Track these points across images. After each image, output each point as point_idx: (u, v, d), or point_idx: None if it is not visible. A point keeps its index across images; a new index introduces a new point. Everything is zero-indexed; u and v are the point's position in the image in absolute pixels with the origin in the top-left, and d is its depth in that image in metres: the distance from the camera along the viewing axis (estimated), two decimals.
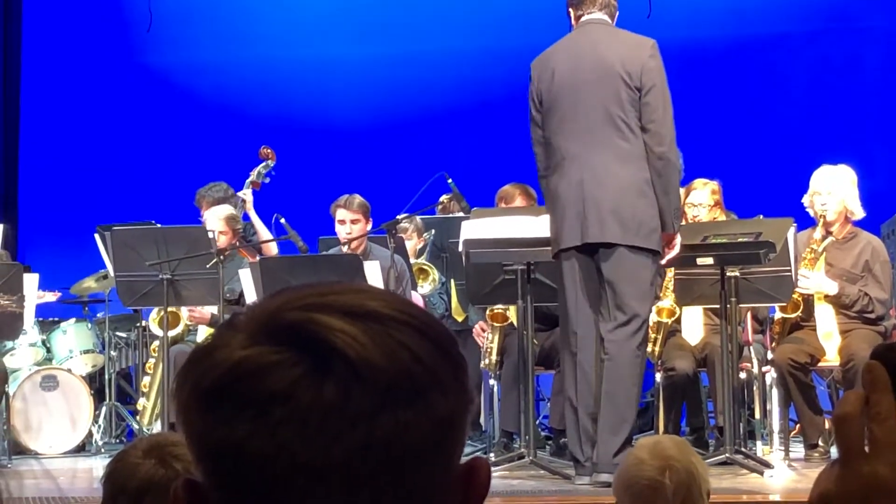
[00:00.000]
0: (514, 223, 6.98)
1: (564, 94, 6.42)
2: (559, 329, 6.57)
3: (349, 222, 8.28)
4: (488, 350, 8.05)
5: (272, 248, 9.05)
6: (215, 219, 8.60)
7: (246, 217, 9.17)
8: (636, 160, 6.34)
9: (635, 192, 6.33)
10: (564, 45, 6.58)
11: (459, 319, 8.69)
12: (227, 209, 8.84)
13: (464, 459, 1.10)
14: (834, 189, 7.56)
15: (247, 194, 9.16)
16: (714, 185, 7.97)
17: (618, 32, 6.55)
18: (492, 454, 7.70)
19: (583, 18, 6.58)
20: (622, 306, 6.34)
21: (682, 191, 8.06)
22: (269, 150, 9.35)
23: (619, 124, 6.33)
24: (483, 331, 8.17)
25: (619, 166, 6.33)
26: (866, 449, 1.11)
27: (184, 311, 8.44)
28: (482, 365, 8.04)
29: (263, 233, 9.12)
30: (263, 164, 9.30)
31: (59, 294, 9.65)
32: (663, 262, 6.54)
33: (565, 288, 6.42)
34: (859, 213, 7.65)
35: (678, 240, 6.48)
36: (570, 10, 6.65)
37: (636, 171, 6.33)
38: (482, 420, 8.58)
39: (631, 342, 6.37)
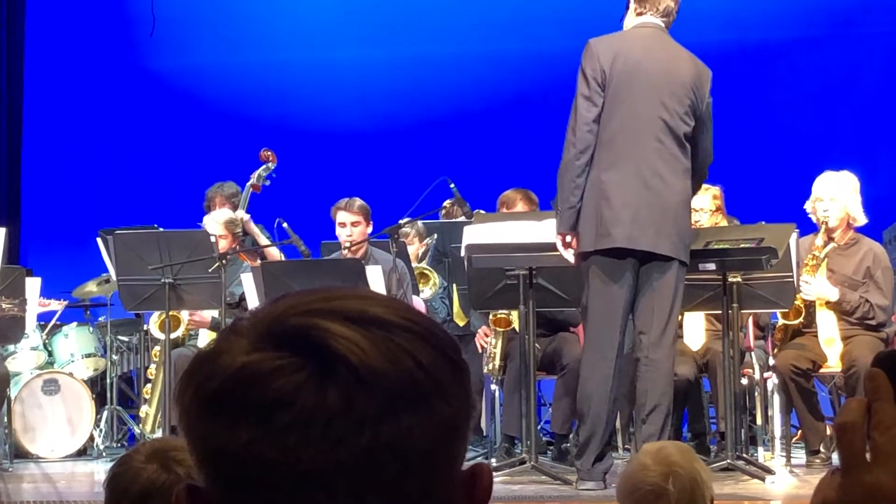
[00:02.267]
0: (516, 228, 6.97)
1: (641, 92, 6.30)
2: (590, 328, 6.42)
3: (349, 224, 8.28)
4: (491, 355, 8.05)
5: (275, 253, 9.05)
6: (214, 223, 8.60)
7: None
8: (689, 176, 6.40)
9: (688, 207, 6.45)
10: (640, 41, 6.42)
11: (461, 324, 8.69)
12: (226, 213, 8.83)
13: (466, 465, 1.10)
14: (836, 195, 7.56)
15: (242, 214, 9.12)
16: (716, 190, 7.97)
17: (685, 50, 6.52)
18: (493, 459, 7.70)
19: (643, 17, 6.48)
20: (665, 317, 6.33)
21: None
22: (269, 153, 9.35)
23: (681, 139, 6.33)
24: (486, 336, 8.17)
25: (680, 180, 6.33)
26: (868, 457, 1.11)
27: (184, 315, 8.44)
28: (485, 370, 8.04)
29: (261, 240, 9.12)
30: (264, 166, 9.30)
31: (66, 302, 9.65)
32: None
33: (602, 287, 6.30)
34: (861, 220, 7.65)
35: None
36: (633, 2, 6.54)
37: (689, 188, 6.42)
38: (483, 425, 8.58)
39: (672, 352, 6.44)
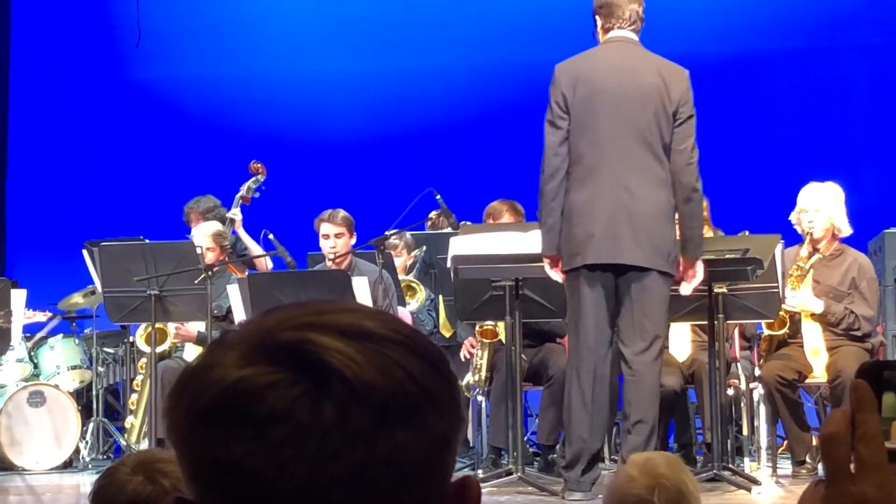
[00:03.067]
0: (502, 239, 6.98)
1: (603, 112, 6.36)
2: (572, 342, 6.49)
3: (333, 236, 8.28)
4: (478, 366, 8.05)
5: (264, 264, 9.05)
6: (202, 235, 8.59)
7: (234, 232, 9.16)
8: (667, 185, 6.39)
9: (666, 217, 6.40)
10: (600, 60, 6.50)
11: (447, 335, 8.69)
12: (214, 225, 8.83)
13: (454, 476, 1.11)
14: (821, 206, 7.58)
15: (236, 213, 9.14)
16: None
17: (653, 56, 6.54)
18: (480, 470, 7.70)
19: (612, 33, 6.53)
20: (649, 329, 6.35)
21: None
22: (259, 165, 9.35)
23: (656, 148, 6.35)
24: (472, 347, 8.17)
25: (654, 190, 6.34)
26: (853, 469, 1.11)
27: (171, 328, 8.43)
28: (472, 381, 8.04)
29: (254, 249, 9.12)
30: (253, 178, 9.30)
31: (51, 315, 9.63)
32: (687, 291, 6.52)
33: (585, 302, 6.35)
34: (846, 231, 7.66)
35: (700, 267, 6.48)
36: (598, 18, 6.61)
37: (668, 197, 6.39)
38: (470, 436, 8.58)
39: (657, 364, 6.45)
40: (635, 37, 6.56)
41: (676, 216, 6.46)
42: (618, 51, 6.51)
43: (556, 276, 6.47)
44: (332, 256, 8.24)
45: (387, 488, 1.04)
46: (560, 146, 6.38)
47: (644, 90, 6.39)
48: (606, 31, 6.57)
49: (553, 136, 6.40)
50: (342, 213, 8.35)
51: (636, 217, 6.28)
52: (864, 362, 1.21)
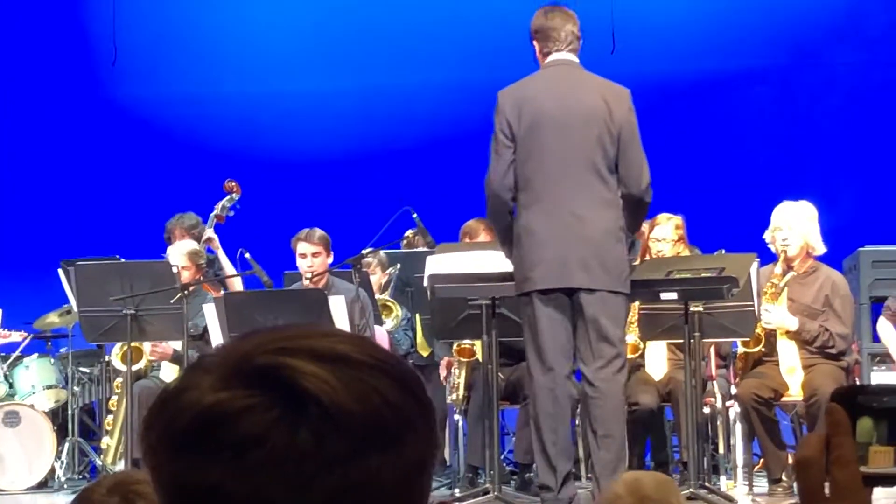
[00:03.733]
0: (478, 258, 6.98)
1: (547, 136, 6.40)
2: (530, 364, 6.52)
3: (310, 255, 8.28)
4: (455, 385, 8.05)
5: (237, 283, 9.02)
6: (178, 254, 8.58)
7: (211, 251, 9.14)
8: (615, 206, 6.45)
9: (615, 238, 6.43)
10: (542, 85, 6.55)
11: (425, 354, 8.68)
12: (189, 244, 8.81)
13: (431, 498, 1.11)
14: (795, 224, 7.61)
15: (210, 232, 9.11)
16: (678, 219, 8.00)
17: (594, 77, 6.58)
18: (457, 489, 7.69)
19: (552, 57, 6.59)
20: (607, 345, 6.37)
21: (645, 225, 8.12)
22: (233, 184, 9.33)
23: (601, 170, 6.39)
24: (450, 366, 8.17)
25: (601, 212, 6.38)
26: (827, 492, 1.12)
27: (146, 347, 8.40)
28: (449, 400, 8.04)
29: (229, 269, 9.10)
30: (228, 197, 9.28)
31: (26, 334, 9.58)
32: None
33: (539, 326, 6.39)
34: (820, 249, 7.69)
35: None
36: (536, 43, 6.66)
37: (616, 218, 6.44)
38: (447, 455, 8.57)
39: (619, 379, 6.47)
40: (575, 58, 6.60)
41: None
42: (559, 74, 6.56)
43: None
44: (309, 275, 8.23)
45: None
46: (505, 173, 6.44)
47: (587, 113, 6.43)
48: (545, 55, 6.62)
49: (497, 164, 6.47)
50: (319, 232, 8.35)
51: (584, 240, 6.34)
52: (838, 387, 1.21)
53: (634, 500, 3.17)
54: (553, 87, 6.52)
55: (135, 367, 8.18)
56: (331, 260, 8.35)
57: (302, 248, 8.30)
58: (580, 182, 6.38)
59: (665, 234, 7.89)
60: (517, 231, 6.46)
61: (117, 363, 8.53)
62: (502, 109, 6.50)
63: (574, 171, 6.38)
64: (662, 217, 7.99)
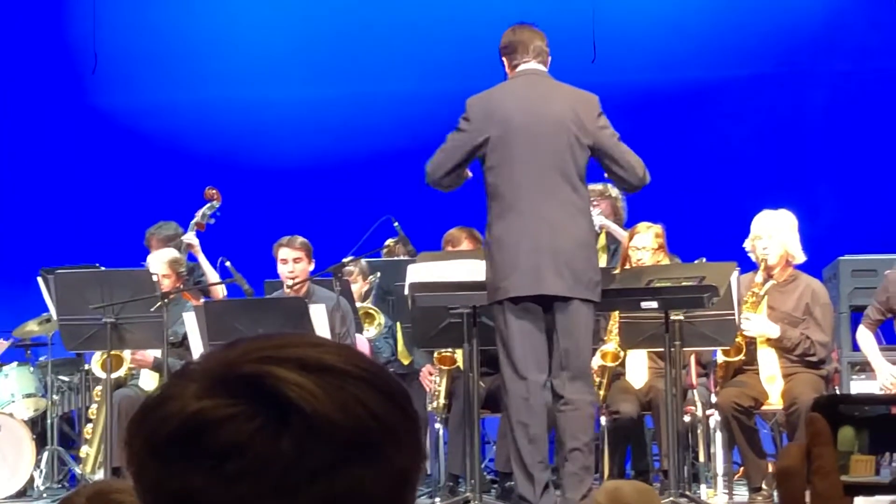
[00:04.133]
0: (459, 267, 6.98)
1: (517, 145, 6.43)
2: (503, 372, 6.54)
3: (291, 261, 8.28)
4: (436, 393, 8.04)
5: (219, 291, 9.01)
6: (158, 262, 8.56)
7: (193, 258, 9.12)
8: (586, 214, 6.53)
9: (587, 245, 6.47)
10: (511, 94, 6.58)
11: (405, 362, 8.67)
12: (170, 252, 8.79)
13: None
14: (775, 233, 7.62)
15: (191, 237, 9.10)
16: (658, 228, 8.02)
17: (562, 86, 6.62)
18: (437, 498, 7.68)
19: (520, 67, 6.63)
20: (575, 358, 6.40)
21: (625, 234, 8.14)
22: (214, 191, 9.32)
23: (572, 178, 6.42)
24: (430, 374, 8.17)
25: (572, 220, 6.40)
26: (808, 502, 1.11)
27: (127, 355, 8.37)
28: (430, 408, 8.03)
29: (211, 275, 9.08)
30: (208, 204, 9.27)
31: (5, 343, 9.55)
32: None
33: (511, 333, 6.40)
34: (800, 258, 7.71)
35: None
36: (504, 59, 6.73)
37: (587, 225, 6.53)
38: (428, 464, 8.55)
39: (589, 391, 6.55)
40: (543, 68, 6.64)
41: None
42: (527, 83, 6.60)
43: None
44: (290, 282, 8.23)
45: None
46: (448, 171, 6.57)
47: (556, 121, 6.46)
48: (514, 67, 6.67)
49: (443, 159, 6.60)
50: (300, 238, 8.36)
51: (556, 247, 6.36)
52: (819, 396, 1.21)
53: None
54: (522, 95, 6.56)
55: (115, 375, 8.16)
56: (312, 267, 8.36)
57: (283, 253, 8.30)
58: (551, 191, 6.40)
59: (645, 242, 7.90)
60: (489, 240, 6.50)
61: (97, 371, 8.51)
62: (470, 115, 6.55)
63: (545, 180, 6.40)
64: (642, 226, 8.01)
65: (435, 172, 6.61)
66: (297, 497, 1.02)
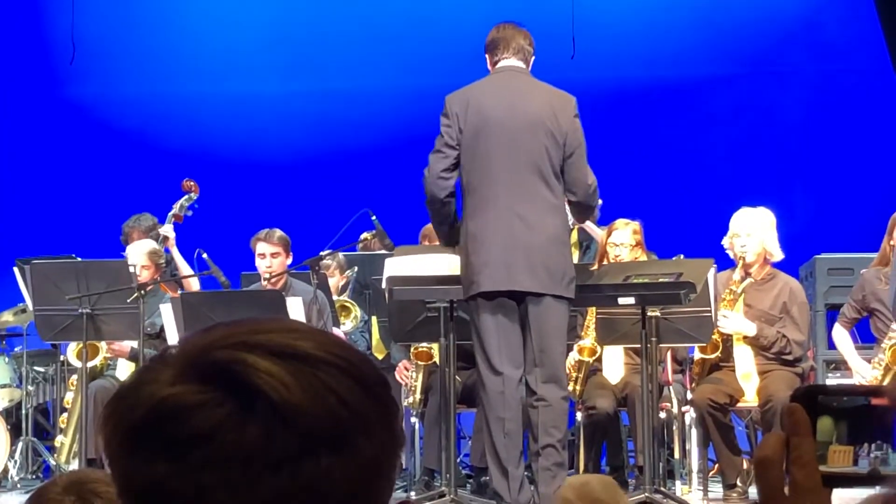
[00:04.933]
0: (437, 261, 6.98)
1: (494, 140, 6.44)
2: (478, 367, 6.54)
3: (269, 256, 8.27)
4: (412, 388, 8.04)
5: (193, 284, 8.98)
6: (138, 253, 8.54)
7: (167, 250, 9.09)
8: (560, 211, 6.53)
9: (561, 242, 6.48)
10: (489, 89, 6.59)
11: (380, 357, 8.67)
12: (149, 244, 8.77)
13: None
14: (753, 231, 7.64)
15: (168, 230, 9.08)
16: (635, 225, 8.03)
17: (540, 84, 6.63)
18: (413, 492, 7.68)
19: (500, 64, 6.64)
20: (548, 354, 6.41)
21: (603, 231, 8.14)
22: (192, 183, 9.30)
23: (547, 175, 6.43)
24: (407, 369, 8.16)
25: (547, 217, 6.41)
26: (786, 492, 1.12)
27: (103, 345, 8.34)
28: (406, 403, 8.03)
29: (184, 268, 9.05)
30: (186, 196, 9.24)
31: None
32: None
33: (485, 328, 6.42)
34: (778, 255, 7.73)
35: None
36: (487, 56, 6.75)
37: (561, 223, 6.53)
38: (403, 458, 8.55)
39: (562, 387, 6.54)
40: (524, 65, 6.65)
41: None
42: (505, 80, 6.61)
43: None
44: (267, 276, 8.21)
45: None
46: (445, 172, 6.49)
47: (532, 118, 6.48)
48: (495, 63, 6.69)
49: (438, 164, 6.51)
50: (279, 232, 8.34)
51: (530, 244, 6.37)
52: (798, 387, 1.21)
53: None
54: (500, 92, 6.57)
55: (91, 364, 8.13)
56: (290, 261, 8.34)
57: (261, 248, 8.29)
58: (526, 187, 6.41)
59: (623, 238, 7.91)
60: (463, 235, 6.51)
61: (73, 360, 8.48)
62: (449, 112, 6.56)
63: (520, 177, 6.41)
64: (620, 222, 8.02)
65: (432, 181, 6.54)
66: (261, 486, 1.01)
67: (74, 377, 8.46)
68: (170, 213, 9.18)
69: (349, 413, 1.04)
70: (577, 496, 3.20)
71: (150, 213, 9.52)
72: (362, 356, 1.10)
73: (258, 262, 8.31)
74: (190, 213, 9.24)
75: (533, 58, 6.71)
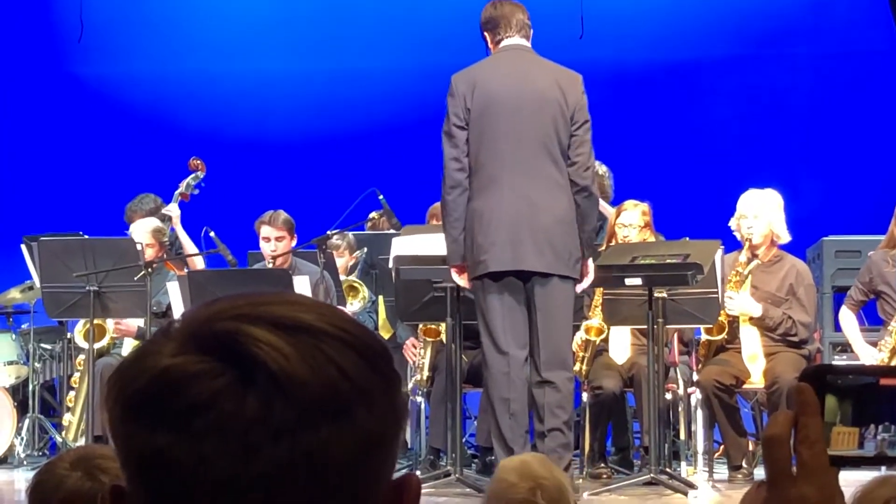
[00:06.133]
0: (444, 240, 6.98)
1: (501, 119, 6.41)
2: (484, 348, 6.53)
3: (273, 239, 8.25)
4: (420, 366, 8.05)
5: (198, 262, 8.99)
6: (142, 231, 8.54)
7: (172, 230, 9.10)
8: (566, 191, 6.46)
9: (567, 222, 6.44)
10: (496, 69, 6.56)
11: (387, 336, 8.68)
12: (153, 222, 8.77)
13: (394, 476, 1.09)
14: (760, 213, 7.64)
15: (173, 209, 9.07)
16: (644, 206, 8.02)
17: (547, 63, 6.60)
18: (418, 471, 7.69)
19: (504, 42, 6.60)
20: (554, 335, 6.40)
21: (612, 211, 8.14)
22: (198, 162, 9.30)
23: (555, 154, 6.40)
24: (415, 346, 8.18)
25: (553, 196, 6.39)
26: (794, 471, 1.12)
27: (110, 324, 8.36)
28: (412, 382, 8.04)
29: (189, 247, 9.06)
30: (193, 175, 9.24)
31: None
32: (579, 288, 6.60)
33: (491, 308, 6.40)
34: (785, 237, 7.73)
35: (591, 267, 6.58)
36: (486, 34, 6.70)
37: (568, 202, 6.46)
38: (409, 437, 8.57)
39: (567, 368, 6.54)
40: (527, 43, 6.63)
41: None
42: (512, 58, 6.58)
43: (462, 282, 6.58)
44: (271, 259, 8.21)
45: (312, 484, 1.02)
46: (459, 157, 6.45)
47: (540, 97, 6.44)
48: (497, 43, 6.64)
49: (452, 149, 6.47)
50: (283, 215, 8.32)
51: (537, 224, 6.35)
52: (807, 367, 1.21)
53: (529, 483, 3.17)
54: (506, 70, 6.54)
55: (98, 345, 8.15)
56: (294, 243, 8.33)
57: (266, 231, 8.27)
58: (533, 166, 6.39)
59: (632, 219, 7.91)
60: (470, 215, 6.46)
61: (80, 340, 8.50)
62: (456, 92, 6.51)
63: (527, 155, 6.39)
64: (629, 203, 8.01)
65: (454, 168, 6.46)
66: (260, 456, 1.01)
67: (81, 356, 8.48)
68: (176, 192, 9.19)
69: (350, 385, 1.04)
70: (518, 477, 3.19)
71: (153, 194, 9.51)
72: (365, 329, 1.10)
73: (262, 245, 8.30)
74: (196, 191, 9.25)
75: (531, 31, 6.67)
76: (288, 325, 1.05)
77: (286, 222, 8.29)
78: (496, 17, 6.63)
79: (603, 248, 7.57)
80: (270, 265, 8.20)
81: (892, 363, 7.54)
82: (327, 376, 1.03)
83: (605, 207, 8.70)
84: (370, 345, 1.08)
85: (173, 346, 1.05)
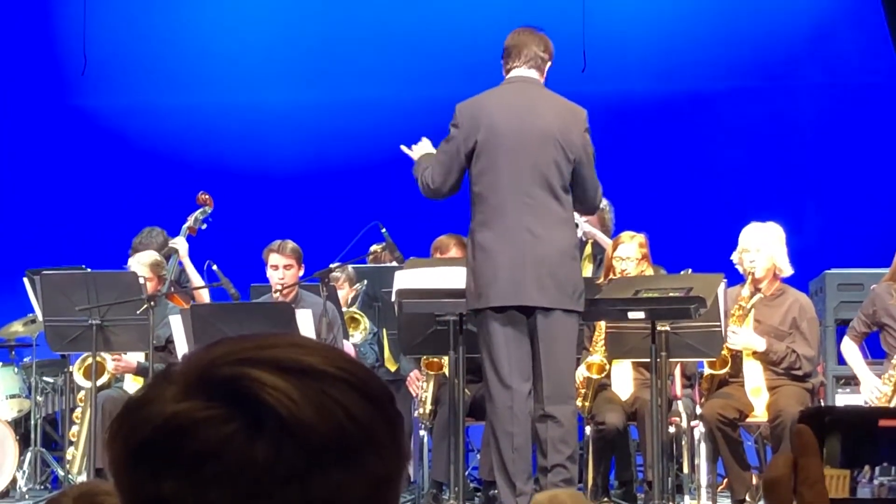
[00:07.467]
0: (447, 274, 6.98)
1: (504, 152, 6.42)
2: (487, 380, 6.52)
3: (282, 267, 8.26)
4: (422, 399, 8.04)
5: (204, 295, 8.99)
6: (140, 265, 8.54)
7: (180, 263, 9.09)
8: (569, 224, 6.51)
9: (570, 256, 6.44)
10: (499, 100, 6.57)
11: (392, 369, 8.67)
12: (152, 255, 8.77)
13: None
14: (762, 246, 7.63)
15: (180, 242, 9.07)
16: (641, 238, 8.01)
17: (552, 96, 6.60)
18: None
19: (512, 73, 6.62)
20: (558, 369, 6.39)
21: (609, 243, 8.14)
22: (207, 196, 9.30)
23: (556, 189, 6.41)
24: (418, 379, 8.16)
25: (556, 230, 6.39)
26: None
27: (109, 363, 8.33)
28: (416, 414, 8.03)
29: (196, 280, 9.06)
30: (201, 209, 9.24)
31: None
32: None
33: (495, 343, 6.39)
34: (787, 271, 7.72)
35: None
36: (502, 61, 6.71)
37: (571, 236, 6.50)
38: (412, 471, 8.55)
39: (571, 403, 6.53)
40: (536, 75, 6.62)
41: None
42: (517, 91, 6.58)
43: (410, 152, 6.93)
44: (279, 287, 8.22)
45: None
46: (445, 180, 6.54)
47: (543, 131, 6.45)
48: (508, 71, 6.66)
49: (440, 169, 6.56)
50: (291, 244, 8.34)
51: (539, 258, 6.35)
52: (806, 408, 1.22)
53: None
54: (510, 103, 6.54)
55: (98, 381, 8.12)
56: (302, 273, 8.34)
57: (274, 259, 8.29)
58: (535, 200, 6.39)
59: (629, 252, 7.89)
60: (472, 249, 6.47)
61: (79, 378, 8.47)
62: (459, 122, 6.54)
63: (529, 190, 6.39)
64: (626, 235, 7.99)
65: (440, 185, 6.56)
66: (270, 501, 1.00)
67: (83, 392, 8.46)
68: (184, 226, 9.19)
69: (357, 428, 1.04)
70: None
71: (160, 228, 9.51)
72: (368, 370, 1.10)
73: (270, 273, 8.31)
74: (204, 226, 9.25)
75: (549, 64, 6.67)
76: (293, 368, 1.04)
77: (294, 251, 8.31)
78: (510, 45, 6.64)
79: (601, 281, 7.57)
80: (278, 294, 8.19)
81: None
82: (335, 420, 1.03)
83: (604, 240, 8.70)
84: (374, 386, 1.07)
85: (175, 391, 1.04)
